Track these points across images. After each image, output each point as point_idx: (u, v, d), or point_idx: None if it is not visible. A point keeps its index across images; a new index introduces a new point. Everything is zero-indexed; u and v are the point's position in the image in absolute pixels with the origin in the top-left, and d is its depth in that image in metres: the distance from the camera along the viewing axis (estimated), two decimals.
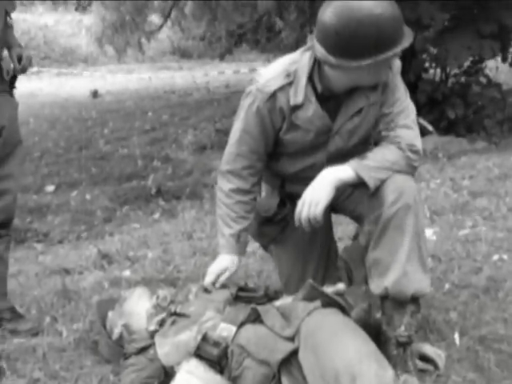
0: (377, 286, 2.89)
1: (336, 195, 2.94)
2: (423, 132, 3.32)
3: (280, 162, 3.31)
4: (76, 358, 3.36)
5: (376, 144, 3.06)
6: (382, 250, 2.85)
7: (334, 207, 3.20)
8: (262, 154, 3.27)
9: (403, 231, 2.81)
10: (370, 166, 2.88)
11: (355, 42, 2.73)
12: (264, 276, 4.05)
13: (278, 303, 2.97)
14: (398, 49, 2.76)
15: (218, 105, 12.12)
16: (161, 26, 21.45)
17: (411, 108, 3.05)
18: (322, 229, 3.30)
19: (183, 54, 30.27)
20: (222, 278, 3.29)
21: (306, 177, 3.08)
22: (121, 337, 3.27)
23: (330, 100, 3.06)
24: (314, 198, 2.91)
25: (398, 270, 2.82)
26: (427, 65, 9.82)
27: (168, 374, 2.92)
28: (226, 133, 8.72)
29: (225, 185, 3.37)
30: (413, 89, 8.71)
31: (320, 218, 2.92)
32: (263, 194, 3.44)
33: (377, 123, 3.06)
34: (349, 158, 3.02)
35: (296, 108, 3.07)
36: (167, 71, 25.87)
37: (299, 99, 3.04)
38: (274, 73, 3.08)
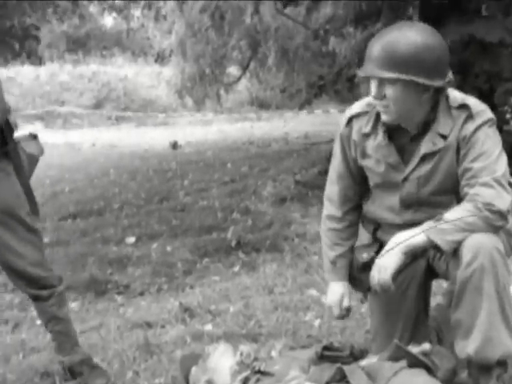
0: (461, 349, 2.85)
1: (430, 254, 2.93)
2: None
3: (367, 200, 3.34)
4: None
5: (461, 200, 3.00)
6: (462, 313, 2.81)
7: (432, 269, 3.17)
8: (350, 181, 3.31)
9: (481, 293, 2.75)
10: (445, 228, 2.82)
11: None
12: (347, 333, 4.01)
13: (363, 363, 2.93)
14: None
15: (297, 156, 12.16)
16: (239, 78, 21.76)
17: (500, 165, 2.89)
18: (416, 286, 3.28)
19: (261, 104, 30.50)
20: (346, 304, 3.34)
21: (391, 224, 3.14)
22: None
23: (399, 138, 3.08)
24: (384, 264, 2.92)
25: (480, 336, 2.77)
26: (508, 116, 9.72)
27: None
28: (305, 184, 8.82)
29: (323, 211, 3.47)
30: None
31: (389, 283, 2.92)
32: (362, 238, 3.42)
33: (460, 178, 2.98)
34: (426, 208, 3.04)
35: (366, 136, 3.14)
36: (245, 122, 26.08)
37: (368, 128, 3.13)
38: (360, 102, 3.20)
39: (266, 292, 5.28)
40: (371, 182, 3.27)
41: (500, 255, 2.78)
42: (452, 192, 3.04)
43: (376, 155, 3.13)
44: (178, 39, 19.53)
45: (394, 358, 2.80)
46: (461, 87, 7.98)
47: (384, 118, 3.04)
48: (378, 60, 2.89)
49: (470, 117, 2.93)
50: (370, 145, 3.14)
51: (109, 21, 40.28)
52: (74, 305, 5.90)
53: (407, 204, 3.12)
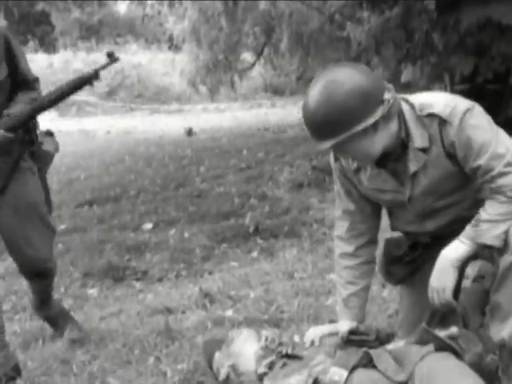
0: (496, 332, 2.80)
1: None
2: None
3: (389, 217, 3.33)
4: None
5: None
6: (502, 297, 2.76)
7: None
8: (358, 213, 3.28)
9: None
10: (487, 227, 2.77)
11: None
12: (370, 318, 3.98)
13: (390, 347, 2.90)
14: None
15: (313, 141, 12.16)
16: (253, 64, 21.69)
17: (501, 146, 2.80)
18: None
19: (275, 91, 30.42)
20: (319, 338, 3.28)
21: (419, 233, 3.12)
22: (228, 378, 3.26)
23: (388, 162, 3.02)
24: (440, 285, 2.90)
25: None
26: None
27: None
28: (322, 170, 8.75)
29: (335, 251, 3.41)
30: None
31: (451, 301, 2.91)
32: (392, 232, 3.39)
33: (473, 177, 2.90)
34: (444, 210, 3.05)
35: (356, 171, 3.13)
36: (260, 108, 26.04)
37: (355, 163, 3.11)
38: None
39: (286, 277, 5.27)
40: (383, 205, 3.27)
41: None
42: (461, 188, 3.00)
43: (374, 186, 3.11)
44: (191, 25, 19.42)
45: (421, 342, 2.77)
46: (476, 69, 7.95)
47: (361, 164, 3.06)
48: (314, 133, 2.86)
49: (444, 122, 2.85)
50: (364, 177, 3.12)
51: (122, 8, 40.20)
52: (92, 291, 5.92)
53: (423, 216, 3.11)
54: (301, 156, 10.56)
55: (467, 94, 2.96)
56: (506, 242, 2.76)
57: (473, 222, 2.82)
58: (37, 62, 30.86)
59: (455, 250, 2.85)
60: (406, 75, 9.63)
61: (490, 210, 2.79)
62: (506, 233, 2.76)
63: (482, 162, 2.80)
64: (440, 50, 8.96)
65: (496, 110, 8.35)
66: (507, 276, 2.74)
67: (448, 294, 2.89)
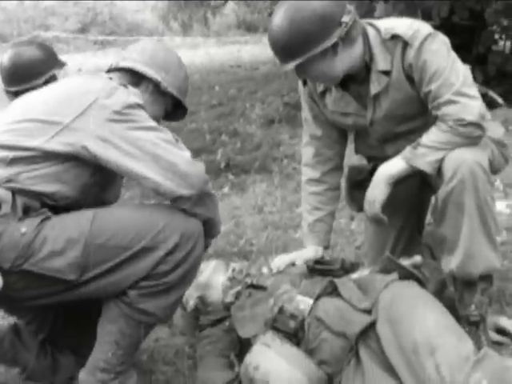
0: (445, 265, 2.88)
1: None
2: (493, 105, 3.19)
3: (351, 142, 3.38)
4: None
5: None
6: (445, 228, 2.83)
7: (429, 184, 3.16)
8: (325, 139, 3.31)
9: (462, 209, 2.75)
10: (423, 152, 2.83)
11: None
12: (338, 249, 4.04)
13: (354, 276, 2.95)
14: None
15: (285, 78, 12.01)
16: (226, 0, 21.45)
17: (455, 75, 2.83)
18: (409, 201, 3.31)
19: (248, 27, 30.14)
20: (288, 262, 3.34)
21: (380, 158, 3.12)
22: (196, 309, 3.31)
23: (352, 86, 3.09)
24: (372, 197, 2.97)
25: (463, 251, 2.78)
26: (497, 36, 9.64)
27: (243, 346, 2.93)
28: (293, 106, 8.74)
29: (302, 179, 3.47)
30: (482, 61, 8.55)
31: (380, 215, 2.98)
32: (354, 159, 3.43)
33: (426, 102, 2.95)
34: (404, 136, 3.09)
35: (322, 94, 3.19)
36: (233, 45, 25.82)
37: (321, 86, 3.17)
38: None
39: (255, 211, 5.32)
40: (348, 131, 3.31)
41: (481, 169, 2.75)
42: (422, 114, 3.04)
43: (338, 108, 3.16)
44: None
45: (386, 271, 2.81)
46: (452, 8, 7.91)
47: (326, 85, 3.12)
48: (277, 55, 2.91)
49: (406, 44, 2.88)
50: (329, 100, 3.17)
51: None
52: None
53: (384, 140, 3.17)
54: (273, 92, 10.50)
55: (439, 31, 2.97)
56: (441, 172, 2.82)
57: (413, 144, 2.87)
58: None
59: (391, 166, 2.93)
60: (379, 11, 9.58)
61: (431, 136, 2.85)
62: (441, 162, 2.81)
63: (432, 87, 2.84)
64: None
65: (467, 47, 8.38)
66: (446, 208, 2.79)
67: (377, 208, 2.96)
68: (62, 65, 4.24)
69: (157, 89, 2.97)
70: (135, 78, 2.94)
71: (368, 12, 8.84)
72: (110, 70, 3.01)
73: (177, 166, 2.59)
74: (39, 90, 2.89)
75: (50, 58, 4.19)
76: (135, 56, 2.97)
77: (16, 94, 3.87)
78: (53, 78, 4.13)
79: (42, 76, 4.08)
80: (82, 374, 2.75)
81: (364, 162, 3.35)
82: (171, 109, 3.12)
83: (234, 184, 6.46)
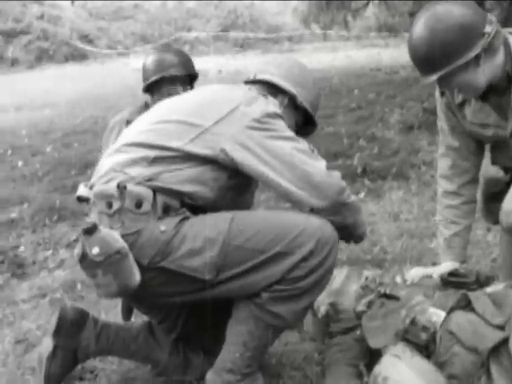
0: None
1: None
2: None
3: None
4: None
5: None
6: None
7: None
8: (463, 150, 3.26)
9: None
10: None
11: None
12: (473, 261, 3.97)
13: (489, 290, 2.89)
14: None
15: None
16: (367, 3, 21.34)
17: None
18: None
19: (389, 30, 29.87)
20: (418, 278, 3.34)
21: None
22: (327, 315, 3.32)
23: (492, 96, 3.00)
24: (508, 208, 2.90)
25: None
26: None
27: (373, 356, 2.93)
28: (433, 112, 8.55)
29: (438, 190, 3.43)
30: None
31: None
32: (490, 170, 3.38)
33: None
34: None
35: (461, 105, 3.12)
36: (373, 48, 25.66)
37: (460, 97, 3.10)
38: None
39: (391, 219, 5.28)
40: (485, 142, 3.25)
41: None
42: None
43: (477, 120, 3.09)
44: None
45: None
46: None
47: (466, 97, 3.05)
48: (418, 68, 2.87)
49: None
50: (468, 111, 3.11)
51: None
52: None
53: None
54: (412, 98, 10.40)
55: None
56: None
57: None
58: (150, 1, 31.20)
59: None
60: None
61: None
62: None
63: None
64: None
65: None
66: None
67: None
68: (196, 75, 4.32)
69: (291, 102, 3.01)
70: (272, 90, 2.99)
71: (507, 17, 8.66)
72: (247, 82, 3.06)
73: (311, 176, 2.61)
74: (183, 95, 2.99)
75: (186, 65, 4.27)
76: (272, 70, 3.02)
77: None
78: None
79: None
80: (209, 374, 2.82)
81: (501, 173, 3.29)
82: (301, 124, 3.14)
83: (371, 190, 6.42)
